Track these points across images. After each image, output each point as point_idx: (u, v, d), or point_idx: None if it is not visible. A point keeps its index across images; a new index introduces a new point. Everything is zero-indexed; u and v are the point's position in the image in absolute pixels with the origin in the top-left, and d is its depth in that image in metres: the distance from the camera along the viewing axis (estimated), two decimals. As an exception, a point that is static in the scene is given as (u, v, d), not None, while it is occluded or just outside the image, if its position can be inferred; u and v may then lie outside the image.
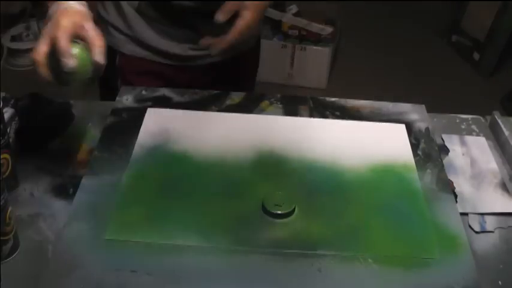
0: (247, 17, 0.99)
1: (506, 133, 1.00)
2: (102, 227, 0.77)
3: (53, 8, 0.84)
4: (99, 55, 0.80)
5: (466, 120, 1.09)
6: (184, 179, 0.86)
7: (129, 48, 1.13)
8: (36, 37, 2.67)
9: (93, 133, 0.98)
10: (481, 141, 1.03)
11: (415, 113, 1.04)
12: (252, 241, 0.77)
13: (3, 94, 1.04)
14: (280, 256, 0.75)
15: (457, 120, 1.08)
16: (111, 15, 1.12)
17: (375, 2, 3.31)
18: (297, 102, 1.06)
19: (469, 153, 0.99)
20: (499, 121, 1.03)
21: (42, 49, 0.79)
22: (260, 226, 0.79)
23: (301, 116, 1.02)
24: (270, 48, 2.72)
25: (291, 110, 1.04)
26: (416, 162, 0.91)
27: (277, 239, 0.77)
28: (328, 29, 2.68)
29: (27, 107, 0.99)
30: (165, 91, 1.05)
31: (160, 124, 0.96)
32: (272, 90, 1.10)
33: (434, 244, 0.77)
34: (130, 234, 0.77)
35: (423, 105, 1.05)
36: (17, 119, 0.99)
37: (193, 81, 1.15)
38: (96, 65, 0.81)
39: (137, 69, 1.15)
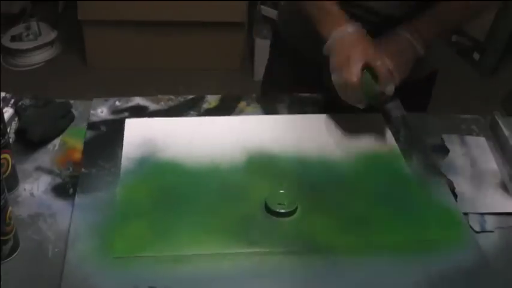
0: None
1: (506, 133, 1.00)
2: (108, 246, 0.75)
3: (333, 35, 0.95)
4: (385, 85, 0.91)
5: (466, 120, 1.09)
6: (179, 187, 0.85)
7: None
8: (36, 37, 2.68)
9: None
10: (481, 141, 1.03)
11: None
12: (262, 242, 0.77)
13: (3, 94, 1.04)
14: (293, 254, 0.75)
15: (457, 120, 1.08)
16: None
17: (375, 2, 3.30)
18: (273, 100, 1.06)
19: (469, 153, 0.99)
20: (499, 121, 1.03)
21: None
22: (266, 226, 0.79)
23: (280, 113, 1.03)
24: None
25: (269, 108, 1.04)
26: (400, 149, 0.94)
27: (286, 237, 0.78)
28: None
29: (27, 107, 0.99)
30: (139, 100, 1.04)
31: (143, 134, 0.94)
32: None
33: (435, 224, 0.80)
34: (138, 249, 0.75)
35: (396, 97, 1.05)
36: (17, 119, 0.99)
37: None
38: (381, 93, 0.92)
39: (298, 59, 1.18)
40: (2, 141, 0.81)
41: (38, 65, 2.70)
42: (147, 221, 0.79)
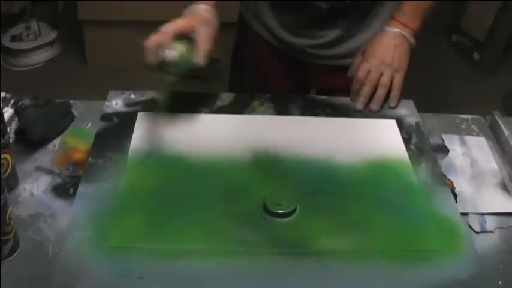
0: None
1: (506, 133, 1.00)
2: (104, 235, 0.77)
3: (187, 9, 0.99)
4: (199, 57, 0.91)
5: (466, 120, 1.09)
6: (182, 183, 0.86)
7: (255, 25, 1.22)
8: (36, 37, 2.68)
9: (93, 133, 0.98)
10: (481, 141, 1.03)
11: (404, 108, 1.05)
12: (256, 242, 0.77)
13: (3, 94, 1.04)
14: (286, 256, 0.75)
15: (457, 120, 1.08)
16: None
17: (375, 2, 3.30)
18: (287, 101, 1.06)
19: (469, 153, 0.99)
20: (499, 121, 1.03)
21: (153, 38, 0.90)
22: (263, 226, 0.79)
23: (292, 114, 1.03)
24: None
25: (281, 109, 1.04)
26: (410, 156, 0.93)
27: (281, 238, 0.78)
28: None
29: (27, 107, 0.99)
30: (154, 94, 1.05)
31: (152, 128, 0.96)
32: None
33: (436, 236, 0.79)
34: (133, 240, 0.76)
35: (411, 100, 1.07)
36: (17, 119, 0.99)
37: (313, 79, 1.22)
38: (194, 65, 0.91)
39: (260, 46, 1.23)
40: (2, 141, 0.81)
41: (38, 65, 2.70)
42: (146, 213, 0.80)
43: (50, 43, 2.74)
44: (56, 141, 0.96)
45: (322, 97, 1.07)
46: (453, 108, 1.18)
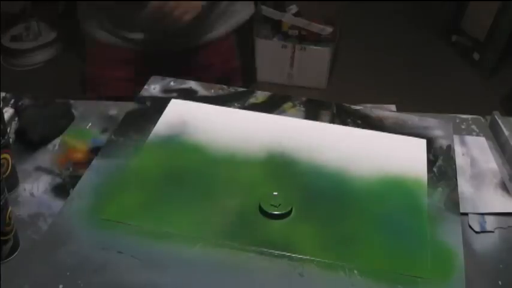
0: None
1: (506, 133, 1.00)
2: (100, 207, 0.79)
3: None
4: None
5: (466, 120, 1.09)
6: (189, 171, 0.87)
7: (97, 33, 1.27)
8: (36, 37, 2.68)
9: (93, 133, 0.98)
10: (481, 141, 1.03)
11: (441, 129, 1.00)
12: (240, 238, 0.77)
13: (3, 94, 1.04)
14: (266, 255, 0.75)
15: (457, 120, 1.08)
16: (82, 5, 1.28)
17: (375, 2, 3.31)
18: (320, 107, 1.04)
19: (469, 153, 0.99)
20: (499, 121, 1.03)
21: None
22: (253, 224, 0.79)
23: (321, 121, 1.01)
24: (270, 48, 2.72)
25: (312, 114, 1.02)
26: (429, 178, 0.88)
27: (267, 238, 0.77)
28: (328, 29, 2.69)
29: (27, 107, 0.99)
30: (192, 84, 1.07)
31: (179, 115, 0.98)
32: (271, 90, 1.10)
33: (427, 263, 0.75)
34: (125, 216, 0.78)
35: (451, 122, 1.02)
36: (17, 119, 0.99)
37: (163, 68, 1.21)
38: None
39: (105, 55, 1.28)
40: (2, 141, 0.81)
41: (38, 65, 2.70)
42: (145, 193, 0.82)
43: (50, 43, 2.74)
44: (56, 141, 0.96)
45: (357, 107, 1.04)
46: (453, 108, 1.18)
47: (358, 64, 2.90)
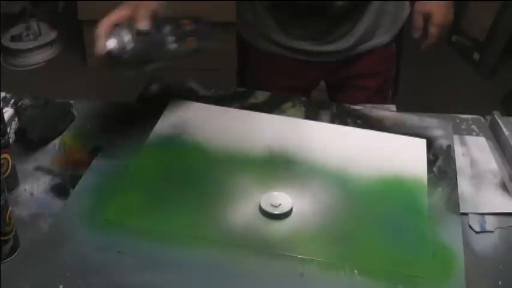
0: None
1: (506, 133, 1.00)
2: (102, 207, 0.80)
3: None
4: (141, 21, 0.83)
5: (466, 120, 1.09)
6: (189, 171, 0.87)
7: (262, 44, 1.21)
8: (36, 37, 2.68)
9: (93, 133, 0.98)
10: (481, 141, 1.03)
11: (441, 129, 1.00)
12: (241, 237, 0.77)
13: (3, 94, 1.04)
14: (265, 255, 0.75)
15: (457, 120, 1.08)
16: (248, 13, 1.22)
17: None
18: (319, 107, 1.04)
19: (469, 153, 0.99)
20: (499, 121, 1.03)
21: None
22: (253, 224, 0.79)
23: (321, 121, 1.01)
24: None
25: (312, 114, 1.02)
26: (429, 178, 0.88)
27: (266, 238, 0.77)
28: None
29: (27, 107, 0.99)
30: (192, 84, 1.07)
31: (180, 115, 0.98)
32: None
33: (427, 263, 0.75)
34: (126, 217, 0.79)
35: (451, 122, 1.03)
36: (17, 119, 0.99)
37: (322, 77, 1.25)
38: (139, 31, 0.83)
39: (268, 64, 1.23)
40: (2, 141, 0.81)
41: (38, 65, 2.70)
42: (145, 193, 0.83)
43: (50, 43, 2.74)
44: (56, 141, 0.96)
45: (357, 107, 1.04)
46: (453, 108, 1.18)
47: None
